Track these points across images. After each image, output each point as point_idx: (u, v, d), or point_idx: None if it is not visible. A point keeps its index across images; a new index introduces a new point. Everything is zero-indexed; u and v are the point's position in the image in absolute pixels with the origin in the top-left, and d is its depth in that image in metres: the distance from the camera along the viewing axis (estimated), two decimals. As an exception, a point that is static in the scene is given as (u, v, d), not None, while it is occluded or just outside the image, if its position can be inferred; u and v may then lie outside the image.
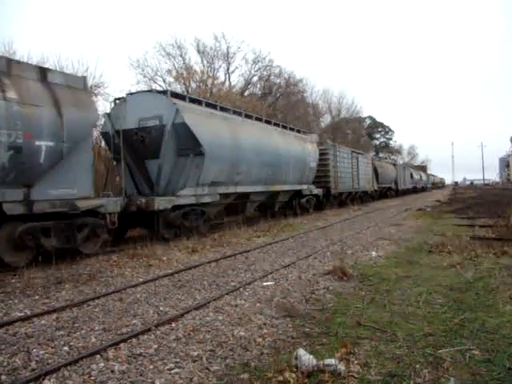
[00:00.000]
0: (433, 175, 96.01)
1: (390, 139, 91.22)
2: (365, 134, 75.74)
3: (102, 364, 3.89)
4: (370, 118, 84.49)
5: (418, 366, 3.64)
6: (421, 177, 66.84)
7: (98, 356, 4.07)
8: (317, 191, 21.14)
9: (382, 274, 7.28)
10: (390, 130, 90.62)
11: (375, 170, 34.86)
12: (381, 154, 74.68)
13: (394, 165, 46.53)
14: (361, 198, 30.97)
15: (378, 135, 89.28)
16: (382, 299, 5.76)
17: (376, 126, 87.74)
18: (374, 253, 9.41)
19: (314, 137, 21.68)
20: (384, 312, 5.20)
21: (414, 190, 58.54)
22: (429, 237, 11.66)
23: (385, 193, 40.51)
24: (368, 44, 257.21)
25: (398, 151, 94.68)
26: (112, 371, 3.76)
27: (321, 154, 21.87)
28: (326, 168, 23.25)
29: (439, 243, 9.91)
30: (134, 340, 4.48)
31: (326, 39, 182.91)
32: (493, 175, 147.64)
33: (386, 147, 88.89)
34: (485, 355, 3.83)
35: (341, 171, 25.10)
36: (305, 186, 19.75)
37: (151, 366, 3.86)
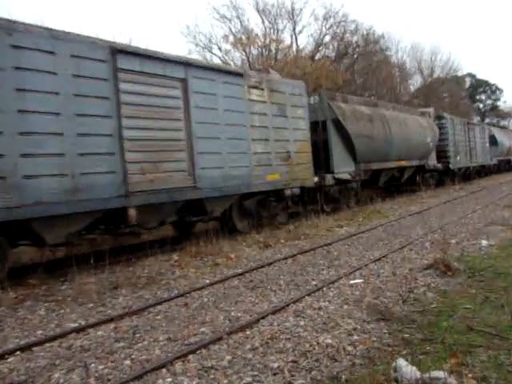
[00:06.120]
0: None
1: (498, 100, 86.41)
2: (465, 97, 72.21)
3: (170, 379, 3.93)
4: (471, 75, 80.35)
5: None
6: None
7: (165, 370, 4.11)
8: None
9: (496, 268, 6.95)
10: (498, 88, 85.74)
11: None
12: (487, 120, 70.84)
13: (438, 116, 25.89)
14: None
15: (482, 96, 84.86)
16: (499, 298, 5.48)
17: (479, 86, 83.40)
18: (484, 242, 9.06)
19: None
20: (502, 314, 4.94)
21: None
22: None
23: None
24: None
25: (510, 114, 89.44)
26: (181, 387, 3.81)
27: None
28: None
29: None
30: (203, 351, 4.50)
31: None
32: None
33: (493, 110, 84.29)
34: None
35: None
36: None
37: (225, 381, 3.86)
